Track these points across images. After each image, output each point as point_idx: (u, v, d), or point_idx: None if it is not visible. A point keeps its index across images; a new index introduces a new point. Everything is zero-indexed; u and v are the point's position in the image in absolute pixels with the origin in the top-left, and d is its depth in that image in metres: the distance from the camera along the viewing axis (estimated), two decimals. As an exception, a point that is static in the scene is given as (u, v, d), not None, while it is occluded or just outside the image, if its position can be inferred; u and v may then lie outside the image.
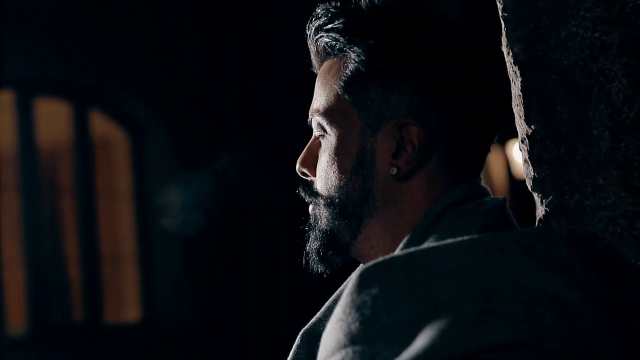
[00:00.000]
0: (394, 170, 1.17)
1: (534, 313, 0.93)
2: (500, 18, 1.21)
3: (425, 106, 1.16)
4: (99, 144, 6.48)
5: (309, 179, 1.26)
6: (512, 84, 1.22)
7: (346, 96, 1.19)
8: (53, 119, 6.10)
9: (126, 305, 6.75)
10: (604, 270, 1.11)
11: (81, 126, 6.18)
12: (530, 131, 1.18)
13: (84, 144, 6.17)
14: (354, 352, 0.93)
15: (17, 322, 5.76)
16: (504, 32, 1.21)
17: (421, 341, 0.90)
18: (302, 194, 1.26)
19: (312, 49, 1.26)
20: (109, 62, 6.13)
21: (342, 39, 1.19)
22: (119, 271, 6.61)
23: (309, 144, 1.27)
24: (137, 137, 6.57)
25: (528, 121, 1.19)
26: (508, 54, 1.20)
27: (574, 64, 1.14)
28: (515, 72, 1.19)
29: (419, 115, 1.16)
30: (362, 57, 1.17)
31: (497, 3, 1.21)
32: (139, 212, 6.52)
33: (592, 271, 1.07)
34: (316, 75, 1.28)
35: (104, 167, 6.58)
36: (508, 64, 1.21)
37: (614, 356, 0.96)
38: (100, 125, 6.41)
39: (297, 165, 1.27)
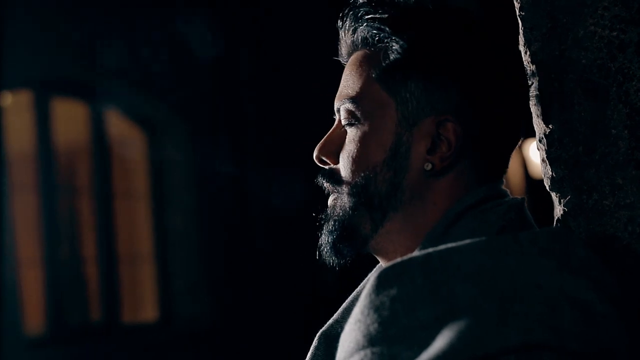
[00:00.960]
0: (429, 166, 1.16)
1: (552, 314, 0.92)
2: (518, 17, 1.21)
3: (463, 105, 1.15)
4: (116, 144, 6.50)
5: (327, 167, 1.24)
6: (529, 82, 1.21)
7: (384, 87, 1.18)
8: (70, 119, 6.12)
9: (143, 305, 6.77)
10: (622, 270, 1.10)
11: (98, 126, 6.20)
12: (548, 130, 1.18)
13: (100, 144, 6.20)
14: (373, 353, 0.93)
15: (36, 322, 5.79)
16: (521, 31, 1.20)
17: (440, 342, 0.90)
18: (323, 182, 1.23)
19: (346, 37, 1.23)
20: (125, 62, 6.15)
21: (386, 30, 1.17)
22: (136, 271, 6.63)
23: (330, 131, 1.25)
24: (154, 136, 6.59)
25: (546, 120, 1.18)
26: (525, 53, 1.20)
27: (591, 62, 1.13)
28: (533, 71, 1.19)
29: (457, 113, 1.15)
30: (406, 49, 1.15)
31: (515, 2, 1.21)
32: (156, 212, 6.54)
33: (611, 271, 1.07)
34: (342, 64, 1.26)
35: (120, 167, 6.61)
36: (525, 63, 1.20)
37: (632, 357, 0.96)
38: (117, 125, 6.43)
39: (316, 152, 1.24)
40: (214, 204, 6.67)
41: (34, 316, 5.77)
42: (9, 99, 5.69)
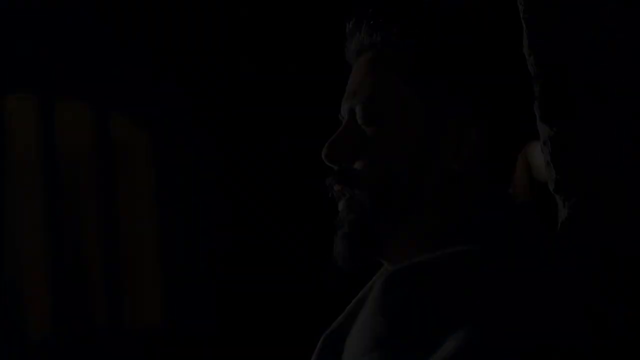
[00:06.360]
0: (449, 170, 1.14)
1: (564, 318, 0.92)
2: (522, 19, 1.20)
3: (488, 110, 1.14)
4: (120, 146, 6.50)
5: (337, 167, 1.19)
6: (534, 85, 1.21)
7: (408, 87, 1.15)
8: (74, 122, 6.13)
9: (148, 308, 6.77)
10: (632, 274, 1.09)
11: (102, 129, 6.21)
12: (553, 133, 1.17)
13: (105, 147, 6.20)
14: (381, 356, 0.93)
15: (39, 325, 5.79)
16: (525, 34, 1.20)
17: (448, 347, 0.90)
18: (334, 184, 1.18)
19: (362, 36, 1.19)
20: (130, 64, 6.16)
21: (414, 29, 1.15)
22: (141, 274, 6.62)
23: (340, 130, 1.20)
24: (159, 139, 6.60)
25: (550, 123, 1.18)
26: (530, 55, 1.19)
27: (597, 65, 1.13)
28: (537, 74, 1.19)
29: (481, 118, 1.14)
30: (435, 50, 1.14)
31: (519, 5, 1.20)
32: (161, 215, 6.54)
33: (620, 276, 1.06)
34: (349, 63, 1.24)
35: (125, 169, 6.61)
36: (529, 66, 1.20)
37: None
38: (122, 128, 6.44)
39: (326, 151, 1.19)
40: (220, 207, 6.66)
41: (37, 319, 5.78)
42: (12, 102, 5.70)
